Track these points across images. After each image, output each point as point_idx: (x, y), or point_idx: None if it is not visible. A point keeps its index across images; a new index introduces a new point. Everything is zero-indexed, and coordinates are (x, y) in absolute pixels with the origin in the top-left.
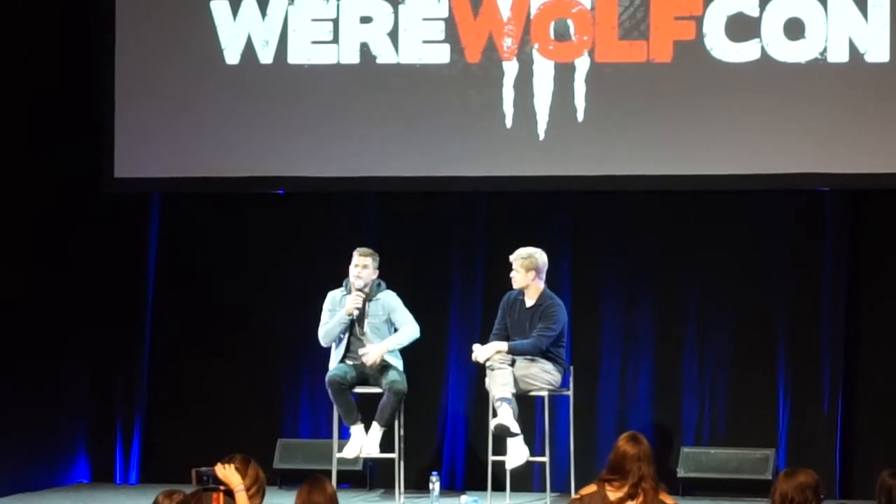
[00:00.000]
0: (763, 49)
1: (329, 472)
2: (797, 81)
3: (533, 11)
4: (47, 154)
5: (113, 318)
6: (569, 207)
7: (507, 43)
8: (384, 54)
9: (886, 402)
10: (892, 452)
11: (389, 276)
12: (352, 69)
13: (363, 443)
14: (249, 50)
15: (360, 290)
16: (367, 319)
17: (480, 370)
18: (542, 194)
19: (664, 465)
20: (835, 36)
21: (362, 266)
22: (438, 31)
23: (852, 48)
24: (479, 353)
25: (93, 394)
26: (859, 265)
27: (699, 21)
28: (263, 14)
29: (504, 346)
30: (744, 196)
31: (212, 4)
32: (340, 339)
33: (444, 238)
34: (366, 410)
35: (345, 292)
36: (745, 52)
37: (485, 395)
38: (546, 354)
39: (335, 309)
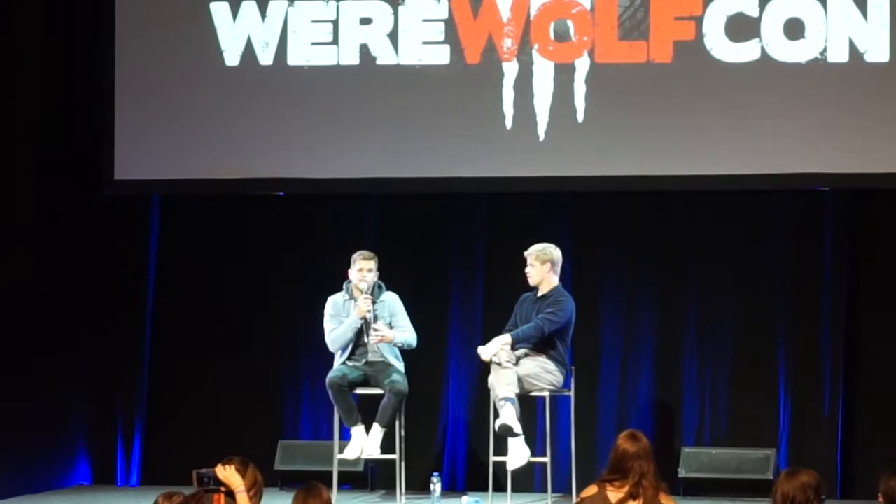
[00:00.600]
0: (763, 49)
1: (330, 474)
2: (797, 81)
3: (533, 12)
4: (48, 156)
5: (113, 319)
6: (569, 208)
7: (507, 44)
8: (384, 55)
9: (887, 401)
10: (894, 452)
11: (390, 277)
12: (352, 70)
13: (364, 444)
14: (249, 51)
15: (367, 293)
16: (373, 321)
17: (481, 371)
18: (542, 195)
19: (665, 465)
20: (835, 36)
21: (367, 270)
22: (438, 32)
23: (852, 48)
24: (484, 351)
25: (93, 396)
26: (859, 265)
27: (699, 21)
28: (263, 16)
29: (507, 338)
30: (744, 196)
31: (211, 6)
32: (350, 343)
33: (444, 239)
34: (366, 411)
35: (346, 297)
36: (744, 53)
37: (486, 396)
38: (550, 354)
39: (338, 314)
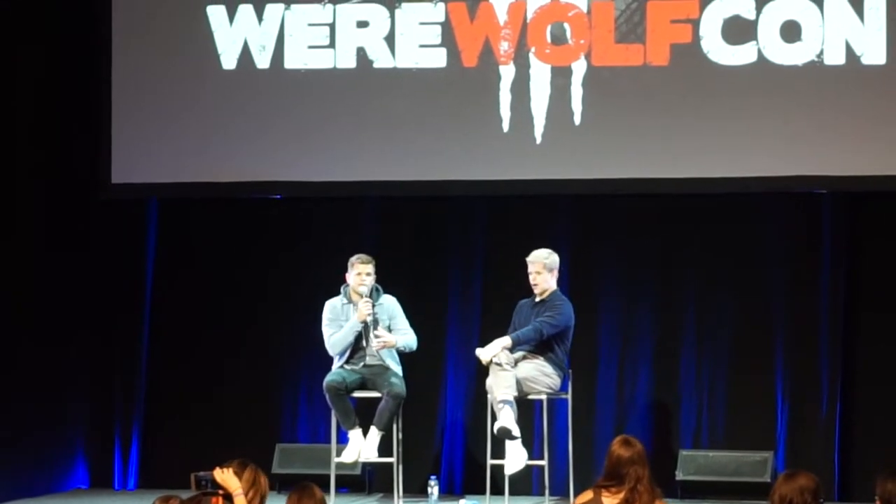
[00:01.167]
0: (760, 52)
1: (327, 477)
2: (794, 84)
3: (529, 15)
4: (46, 159)
5: (111, 323)
6: (566, 211)
7: (504, 47)
8: (381, 59)
9: (885, 404)
10: (891, 455)
11: (387, 280)
12: (348, 74)
13: (361, 447)
14: (246, 55)
15: (367, 297)
16: (373, 325)
17: (479, 374)
18: (539, 198)
19: (663, 468)
20: (831, 38)
21: (366, 273)
22: (435, 35)
23: (849, 50)
24: (483, 353)
25: (91, 399)
26: (857, 267)
27: (696, 24)
28: (260, 19)
29: (507, 340)
30: (741, 199)
31: (208, 10)
32: (350, 347)
33: (441, 242)
34: (364, 415)
35: (344, 300)
36: (741, 55)
37: (483, 398)
38: (548, 357)
39: (337, 318)
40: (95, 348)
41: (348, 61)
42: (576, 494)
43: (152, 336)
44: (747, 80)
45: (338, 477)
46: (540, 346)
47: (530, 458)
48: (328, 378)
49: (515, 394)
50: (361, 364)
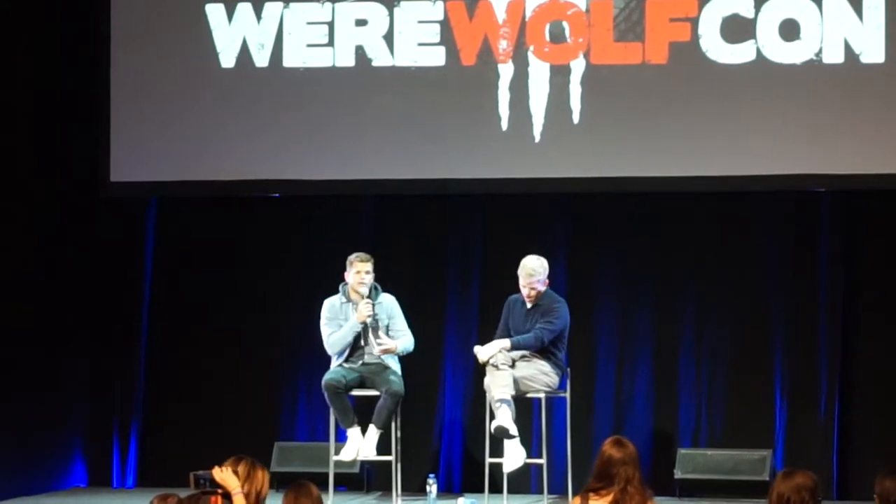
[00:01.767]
0: (758, 50)
1: (326, 475)
2: (793, 82)
3: (528, 14)
4: (43, 158)
5: (110, 322)
6: (565, 209)
7: (503, 45)
8: (379, 57)
9: (883, 402)
10: (889, 454)
11: (386, 279)
12: (347, 72)
13: (360, 446)
14: (245, 53)
15: (367, 296)
16: (373, 325)
17: (477, 372)
18: (538, 196)
19: (661, 466)
20: (830, 37)
21: (365, 272)
22: (434, 33)
23: (848, 49)
24: (482, 352)
25: (90, 398)
26: (856, 266)
27: (694, 22)
28: (258, 17)
29: (506, 342)
30: (740, 198)
31: (207, 8)
32: (349, 346)
33: (440, 241)
34: (363, 413)
35: (343, 299)
36: (740, 54)
37: (482, 397)
38: (546, 355)
39: (335, 317)
40: (94, 347)
41: (347, 60)
42: (574, 493)
43: (151, 334)
44: (746, 79)
45: (336, 475)
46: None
47: (529, 456)
48: (327, 376)
49: (513, 393)
50: (360, 362)
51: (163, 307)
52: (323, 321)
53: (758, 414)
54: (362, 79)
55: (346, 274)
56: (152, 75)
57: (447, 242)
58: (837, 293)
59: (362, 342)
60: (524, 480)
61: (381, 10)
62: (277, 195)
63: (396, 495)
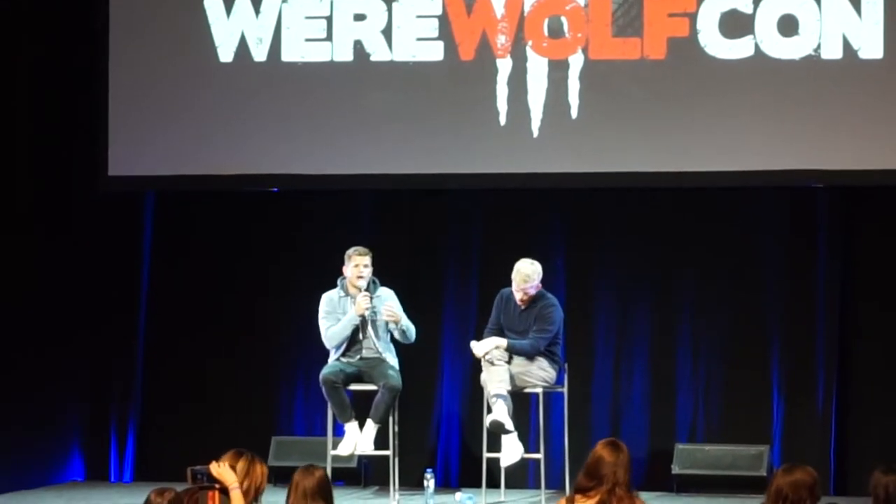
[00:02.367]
0: (757, 46)
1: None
2: (791, 78)
3: (527, 8)
4: (41, 152)
5: (108, 316)
6: (563, 204)
7: (501, 40)
8: (378, 52)
9: (881, 398)
10: (887, 449)
11: (384, 273)
12: (346, 67)
13: (357, 440)
14: (243, 48)
15: (365, 290)
16: (373, 318)
17: (475, 367)
18: (536, 191)
19: (659, 461)
20: (829, 32)
21: (363, 266)
22: (432, 28)
23: (846, 45)
24: (478, 348)
25: (88, 392)
26: (853, 261)
27: (693, 18)
28: (257, 12)
29: (503, 342)
30: (737, 193)
31: (205, 2)
32: (347, 340)
33: (438, 235)
34: (360, 408)
35: (341, 293)
36: (738, 49)
37: (479, 392)
38: (542, 351)
39: (334, 311)
40: (92, 342)
41: (345, 54)
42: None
43: (148, 329)
44: (744, 74)
45: (334, 470)
46: None
47: (526, 451)
48: (324, 371)
49: (509, 388)
50: (358, 357)
51: (160, 302)
52: (321, 315)
53: (755, 409)
54: (361, 73)
55: (344, 268)
56: (151, 69)
57: (445, 237)
58: (835, 288)
59: (360, 336)
60: (521, 475)
61: (380, 4)
62: (275, 189)
63: (394, 490)
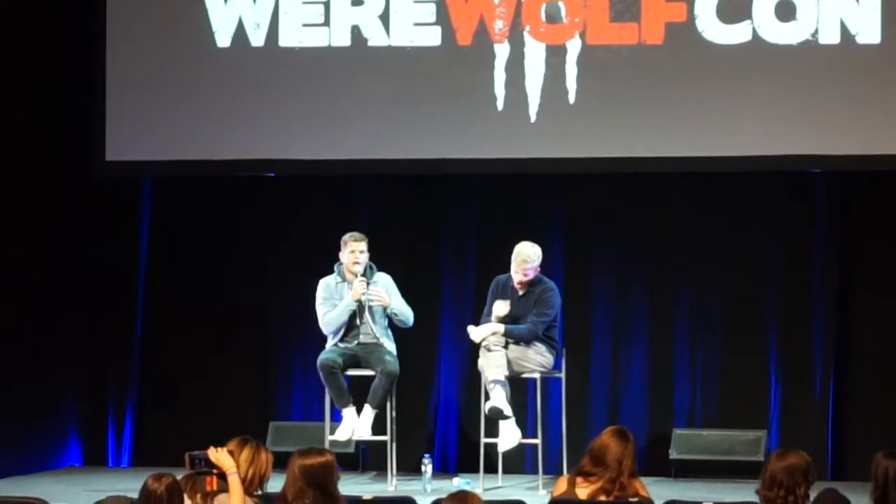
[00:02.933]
0: (754, 31)
1: None
2: (789, 63)
3: None
4: (38, 138)
5: (105, 301)
6: (560, 190)
7: (499, 25)
8: (375, 37)
9: (878, 383)
10: (884, 434)
11: (381, 258)
12: (343, 52)
13: (355, 425)
14: (241, 33)
15: (362, 275)
16: (368, 303)
17: (473, 352)
18: (533, 177)
19: (657, 446)
20: (826, 17)
21: (360, 251)
22: (429, 13)
23: (844, 30)
24: (475, 333)
25: (85, 378)
26: (851, 247)
27: (690, 3)
28: None
29: (501, 328)
30: (735, 178)
31: None
32: (344, 325)
33: (435, 220)
34: (358, 393)
35: (338, 279)
36: (736, 34)
37: (477, 377)
38: (540, 336)
39: (331, 297)
40: (89, 327)
41: (343, 39)
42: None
43: (146, 314)
44: (742, 60)
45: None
46: None
47: (524, 436)
48: (322, 356)
49: (507, 373)
50: (356, 342)
51: (158, 286)
52: (318, 301)
53: (753, 395)
54: (358, 59)
55: (340, 254)
56: (148, 54)
57: (442, 223)
58: (832, 273)
59: (357, 321)
60: (519, 460)
61: None
62: (273, 175)
63: (391, 475)
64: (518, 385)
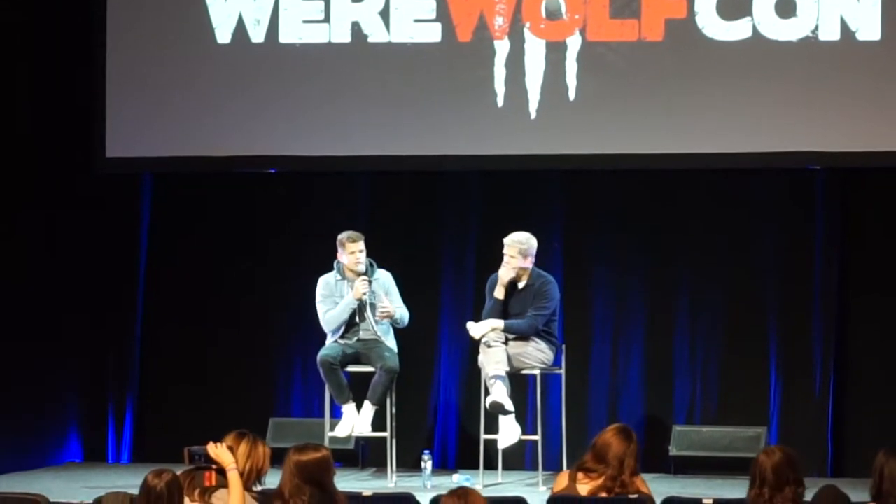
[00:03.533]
0: (755, 27)
1: None
2: (789, 60)
3: None
4: (38, 133)
5: (105, 298)
6: (560, 186)
7: (499, 21)
8: (375, 33)
9: (878, 380)
10: (883, 431)
11: (381, 255)
12: (343, 48)
13: (355, 422)
14: (241, 29)
15: (363, 274)
16: (369, 301)
17: (472, 349)
18: (533, 173)
19: (656, 443)
20: (826, 14)
21: (358, 251)
22: (430, 9)
23: (844, 26)
24: (474, 329)
25: (85, 374)
26: (851, 243)
27: None
28: None
29: (500, 323)
30: (735, 175)
31: None
32: (345, 323)
33: (435, 217)
34: (358, 389)
35: (338, 277)
36: (736, 31)
37: (477, 373)
38: (539, 332)
39: (331, 294)
40: (89, 323)
41: (343, 36)
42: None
43: (146, 311)
44: (742, 56)
45: (331, 451)
46: None
47: (524, 432)
48: (322, 352)
49: (507, 369)
50: (356, 339)
51: (158, 283)
52: (318, 298)
53: (753, 391)
54: (358, 55)
55: (338, 254)
56: (148, 50)
57: (442, 219)
58: (832, 270)
59: (358, 319)
60: (519, 457)
61: None
62: (273, 171)
63: (391, 471)
64: (518, 381)
